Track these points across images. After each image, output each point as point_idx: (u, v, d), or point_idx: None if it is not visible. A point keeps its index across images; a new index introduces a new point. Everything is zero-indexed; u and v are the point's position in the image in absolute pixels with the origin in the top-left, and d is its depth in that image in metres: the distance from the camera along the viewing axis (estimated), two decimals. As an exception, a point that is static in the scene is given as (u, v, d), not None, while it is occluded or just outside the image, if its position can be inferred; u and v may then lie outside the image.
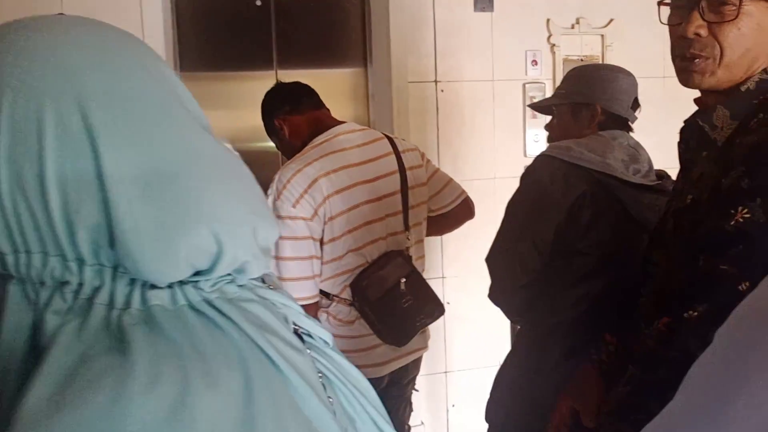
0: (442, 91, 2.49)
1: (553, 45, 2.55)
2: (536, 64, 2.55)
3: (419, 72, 2.45)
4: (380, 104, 2.53)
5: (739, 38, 0.97)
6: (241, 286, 0.52)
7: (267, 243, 0.53)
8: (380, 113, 2.52)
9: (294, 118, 1.73)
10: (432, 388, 2.57)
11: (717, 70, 1.00)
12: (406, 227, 1.70)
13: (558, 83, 2.55)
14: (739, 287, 0.89)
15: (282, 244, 1.54)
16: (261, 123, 2.53)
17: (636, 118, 1.46)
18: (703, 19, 0.98)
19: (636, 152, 1.35)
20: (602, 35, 2.59)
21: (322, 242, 1.59)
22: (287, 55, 2.51)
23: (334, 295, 1.64)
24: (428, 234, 1.86)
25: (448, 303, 2.47)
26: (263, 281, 0.57)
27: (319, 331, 0.59)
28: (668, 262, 1.09)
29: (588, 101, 1.40)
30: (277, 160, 2.55)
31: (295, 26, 2.51)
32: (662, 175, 1.42)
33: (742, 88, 1.01)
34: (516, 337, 1.53)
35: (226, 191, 0.49)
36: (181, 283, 0.48)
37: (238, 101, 2.51)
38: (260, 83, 2.51)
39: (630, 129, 1.44)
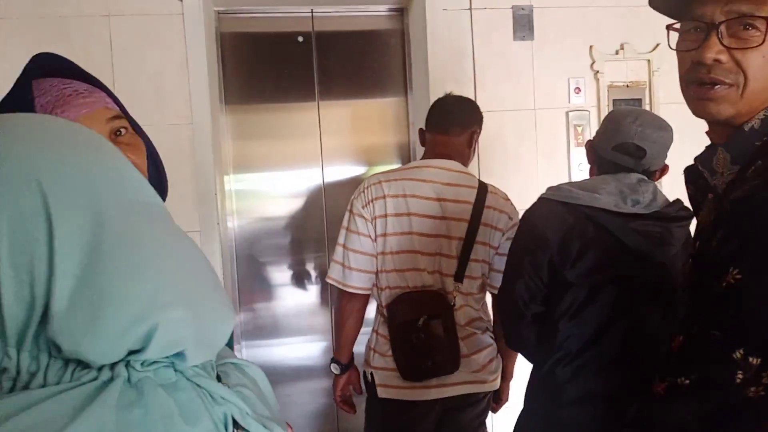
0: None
1: (597, 72, 2.51)
2: (579, 91, 2.51)
3: (459, 101, 2.44)
4: (420, 134, 2.52)
5: (764, 66, 0.89)
6: (179, 371, 0.52)
7: (216, 333, 0.54)
8: (420, 143, 2.52)
9: (426, 133, 1.85)
10: None
11: (738, 101, 0.91)
12: (458, 275, 1.70)
13: (602, 110, 2.52)
14: (733, 355, 0.82)
15: (349, 236, 1.72)
16: (304, 152, 2.59)
17: (630, 161, 1.39)
18: (722, 45, 0.90)
19: (637, 186, 1.37)
20: (648, 60, 2.53)
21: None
22: (328, 87, 2.58)
23: (380, 305, 1.75)
24: None
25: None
26: (219, 377, 0.58)
27: None
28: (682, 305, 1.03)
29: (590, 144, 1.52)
30: (319, 193, 2.59)
31: (336, 59, 2.58)
32: (676, 203, 1.42)
33: (746, 127, 0.91)
34: (528, 383, 1.50)
35: (162, 274, 0.49)
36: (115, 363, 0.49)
37: (281, 132, 2.57)
38: (303, 114, 2.57)
39: (637, 170, 1.40)
